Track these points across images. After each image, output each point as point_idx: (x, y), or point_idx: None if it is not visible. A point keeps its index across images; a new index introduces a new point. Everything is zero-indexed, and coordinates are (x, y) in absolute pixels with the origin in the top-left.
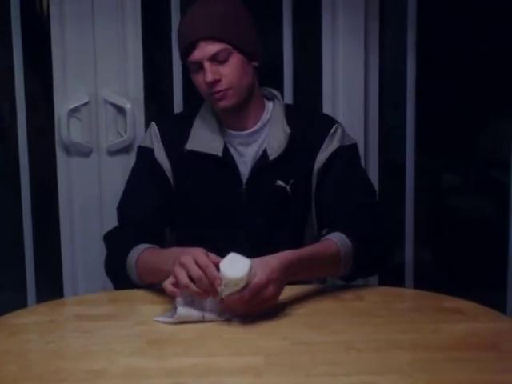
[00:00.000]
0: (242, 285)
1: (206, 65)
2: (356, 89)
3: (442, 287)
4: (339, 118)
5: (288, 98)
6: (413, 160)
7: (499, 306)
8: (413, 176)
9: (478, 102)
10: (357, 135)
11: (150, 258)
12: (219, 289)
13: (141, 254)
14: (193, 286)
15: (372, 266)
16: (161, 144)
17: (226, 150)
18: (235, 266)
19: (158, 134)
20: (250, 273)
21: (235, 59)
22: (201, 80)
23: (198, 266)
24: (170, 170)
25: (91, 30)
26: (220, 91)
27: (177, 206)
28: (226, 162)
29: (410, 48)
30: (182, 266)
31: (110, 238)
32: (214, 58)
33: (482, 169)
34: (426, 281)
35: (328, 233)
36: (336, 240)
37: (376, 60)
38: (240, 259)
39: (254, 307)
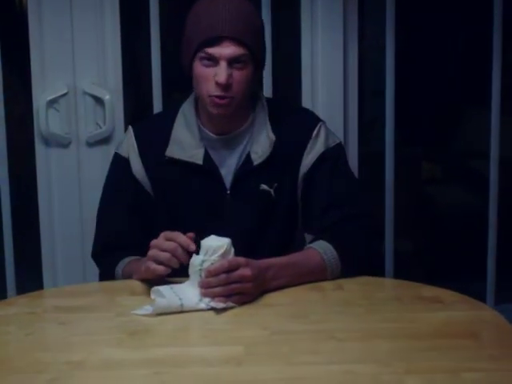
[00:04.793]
0: (221, 252)
1: (224, 65)
2: (335, 78)
3: (421, 276)
4: (319, 108)
5: (267, 89)
6: (392, 150)
7: (479, 294)
8: (392, 166)
9: (458, 92)
10: (336, 125)
11: (131, 267)
12: (199, 259)
13: (124, 268)
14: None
15: (361, 269)
16: (137, 154)
17: (206, 156)
18: (216, 240)
19: (134, 142)
20: (230, 248)
21: (248, 69)
22: (208, 75)
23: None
24: (148, 181)
25: (69, 20)
26: (225, 97)
27: (160, 215)
28: (208, 169)
29: (389, 37)
30: (154, 246)
31: (99, 259)
32: (233, 61)
33: (461, 159)
34: (406, 270)
35: (313, 241)
36: (319, 249)
37: (355, 49)
38: (220, 238)
39: (229, 288)
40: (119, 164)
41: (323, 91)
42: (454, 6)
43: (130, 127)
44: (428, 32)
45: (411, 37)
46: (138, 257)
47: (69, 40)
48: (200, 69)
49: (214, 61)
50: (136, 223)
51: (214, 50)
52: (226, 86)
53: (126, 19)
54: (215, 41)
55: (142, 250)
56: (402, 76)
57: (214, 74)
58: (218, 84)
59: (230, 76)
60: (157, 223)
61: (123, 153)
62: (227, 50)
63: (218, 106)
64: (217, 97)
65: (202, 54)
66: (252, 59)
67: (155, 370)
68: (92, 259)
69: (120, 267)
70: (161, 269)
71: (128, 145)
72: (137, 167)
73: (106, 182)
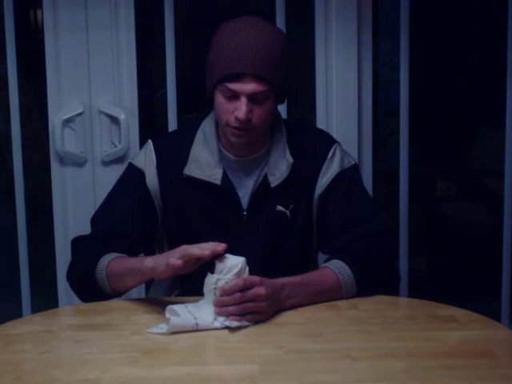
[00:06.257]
0: (235, 271)
1: (244, 100)
2: (349, 97)
3: (435, 294)
4: (333, 127)
5: (282, 108)
6: (406, 167)
7: (493, 313)
8: (406, 183)
9: (472, 110)
10: (351, 143)
11: (123, 261)
12: (214, 278)
13: (112, 260)
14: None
15: (376, 288)
16: (154, 168)
17: (225, 176)
18: (230, 259)
19: (153, 156)
20: (245, 267)
21: (269, 103)
22: (229, 108)
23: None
24: (159, 196)
25: (85, 40)
26: (245, 129)
27: (175, 232)
28: (226, 189)
29: (403, 56)
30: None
31: (79, 245)
32: (253, 96)
33: (476, 177)
34: (421, 289)
35: (328, 260)
36: (334, 268)
37: (369, 68)
38: (235, 257)
39: (244, 307)
40: (133, 174)
41: (337, 109)
42: (469, 24)
43: (149, 141)
44: (442, 50)
45: (425, 55)
46: (124, 255)
47: (85, 60)
48: (221, 100)
49: (234, 95)
50: (134, 228)
51: (234, 86)
52: (245, 121)
53: (142, 39)
54: (236, 77)
55: (130, 254)
56: (416, 94)
57: (234, 108)
58: (237, 118)
59: (250, 111)
60: (171, 241)
61: (139, 164)
62: (248, 86)
63: (237, 136)
64: (236, 128)
65: (223, 88)
66: (273, 92)
67: None
68: (71, 243)
69: (106, 259)
70: (179, 262)
71: (146, 158)
72: (152, 181)
73: (115, 185)
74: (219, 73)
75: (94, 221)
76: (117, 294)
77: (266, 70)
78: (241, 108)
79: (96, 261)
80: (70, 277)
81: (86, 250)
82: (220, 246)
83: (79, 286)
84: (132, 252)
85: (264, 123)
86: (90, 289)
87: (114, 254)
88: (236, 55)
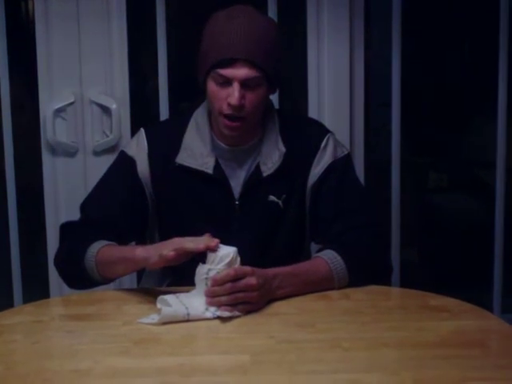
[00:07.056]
0: (227, 261)
1: (236, 86)
2: (341, 88)
3: (427, 285)
4: (325, 118)
5: (274, 98)
6: (398, 159)
7: (485, 303)
8: (398, 175)
9: (464, 101)
10: (342, 134)
11: (114, 249)
12: (205, 268)
13: (102, 248)
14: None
15: (369, 279)
16: (146, 157)
17: (217, 166)
18: (222, 249)
19: (145, 144)
20: (236, 257)
21: (262, 90)
22: (222, 95)
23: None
24: (151, 185)
25: (76, 30)
26: (237, 119)
27: (166, 220)
28: (218, 179)
29: (395, 46)
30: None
31: (68, 230)
32: (246, 82)
33: (468, 168)
34: (412, 279)
35: (320, 250)
36: (326, 258)
37: (361, 59)
38: (227, 247)
39: (235, 297)
40: (124, 162)
41: (329, 100)
42: (461, 16)
43: (141, 129)
44: (434, 41)
45: (417, 46)
46: (113, 243)
47: (76, 49)
48: (213, 87)
49: (227, 81)
50: (124, 216)
51: (226, 72)
52: (238, 107)
53: (133, 29)
54: (228, 62)
55: (119, 242)
56: (408, 85)
57: (226, 95)
58: (230, 105)
59: (242, 97)
60: (163, 230)
61: (130, 152)
62: (240, 71)
63: (229, 127)
64: (229, 118)
65: (215, 74)
66: (266, 79)
67: (161, 378)
68: (59, 228)
69: (95, 246)
70: (171, 254)
71: (138, 146)
72: (143, 169)
73: (106, 172)
74: (211, 60)
75: (84, 207)
76: (106, 281)
77: (258, 56)
78: (233, 94)
79: (85, 248)
80: (58, 262)
81: (74, 236)
82: (213, 242)
83: (67, 272)
84: (122, 240)
85: (256, 110)
86: (77, 275)
87: (103, 242)
88: (228, 41)
